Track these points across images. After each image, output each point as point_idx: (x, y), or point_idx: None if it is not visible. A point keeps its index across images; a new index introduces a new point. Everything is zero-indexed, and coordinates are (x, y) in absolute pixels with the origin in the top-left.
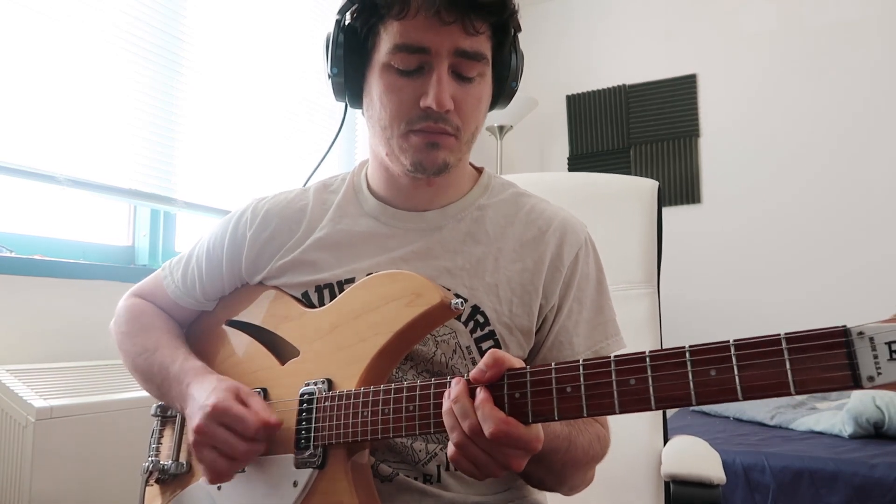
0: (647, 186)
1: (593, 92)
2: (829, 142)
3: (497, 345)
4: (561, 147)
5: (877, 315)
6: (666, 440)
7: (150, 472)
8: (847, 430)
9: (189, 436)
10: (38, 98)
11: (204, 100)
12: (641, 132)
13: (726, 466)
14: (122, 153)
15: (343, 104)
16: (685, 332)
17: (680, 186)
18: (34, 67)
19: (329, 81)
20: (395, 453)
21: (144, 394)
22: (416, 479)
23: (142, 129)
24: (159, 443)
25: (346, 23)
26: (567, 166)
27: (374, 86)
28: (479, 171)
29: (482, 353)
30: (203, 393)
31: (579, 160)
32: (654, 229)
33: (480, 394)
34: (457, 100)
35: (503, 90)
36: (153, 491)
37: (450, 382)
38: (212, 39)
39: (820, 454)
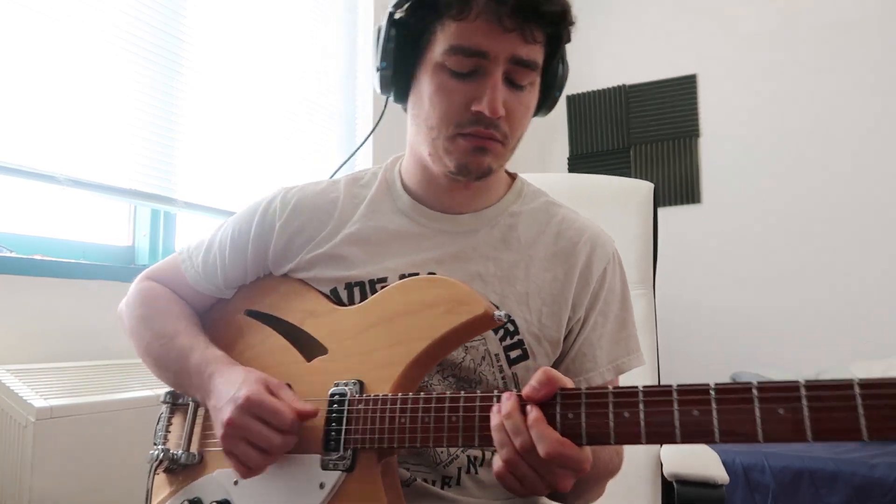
0: (642, 188)
1: (593, 92)
2: (829, 142)
3: (525, 354)
4: (561, 147)
5: (881, 320)
6: None
7: (160, 461)
8: None
9: (217, 429)
10: (38, 98)
11: (204, 100)
12: (641, 132)
13: (726, 466)
14: (122, 153)
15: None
16: (684, 333)
17: (680, 186)
18: (34, 67)
19: (377, 74)
20: (415, 455)
21: (144, 394)
22: (434, 482)
23: (142, 129)
24: (167, 431)
25: (400, 17)
26: (567, 166)
27: (425, 84)
28: (513, 176)
29: (510, 362)
30: (231, 385)
31: (579, 160)
32: (650, 231)
33: (532, 412)
34: (507, 107)
35: (547, 99)
36: (157, 480)
37: (498, 396)
38: (212, 39)
39: (820, 454)
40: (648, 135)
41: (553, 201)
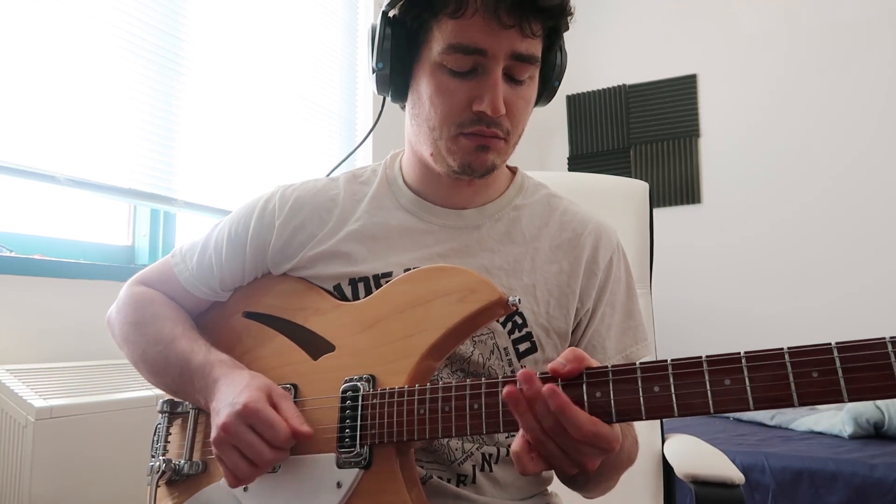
0: (638, 188)
1: (593, 92)
2: (830, 142)
3: (534, 347)
4: (561, 147)
5: (881, 320)
6: (663, 439)
7: (163, 472)
8: (847, 430)
9: (212, 431)
10: (38, 98)
11: (204, 100)
12: (641, 132)
13: None
14: (121, 153)
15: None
16: (684, 333)
17: (680, 186)
18: (34, 67)
19: (373, 75)
20: (429, 453)
21: (144, 394)
22: (449, 480)
23: (142, 129)
24: (167, 441)
25: (394, 15)
26: (567, 166)
27: (424, 84)
28: (513, 170)
29: (519, 355)
30: (233, 389)
31: (579, 160)
32: (647, 231)
33: (555, 399)
34: (508, 103)
35: (546, 89)
36: (159, 492)
37: (517, 379)
38: (212, 39)
39: (820, 454)
40: (648, 135)
41: (553, 193)
